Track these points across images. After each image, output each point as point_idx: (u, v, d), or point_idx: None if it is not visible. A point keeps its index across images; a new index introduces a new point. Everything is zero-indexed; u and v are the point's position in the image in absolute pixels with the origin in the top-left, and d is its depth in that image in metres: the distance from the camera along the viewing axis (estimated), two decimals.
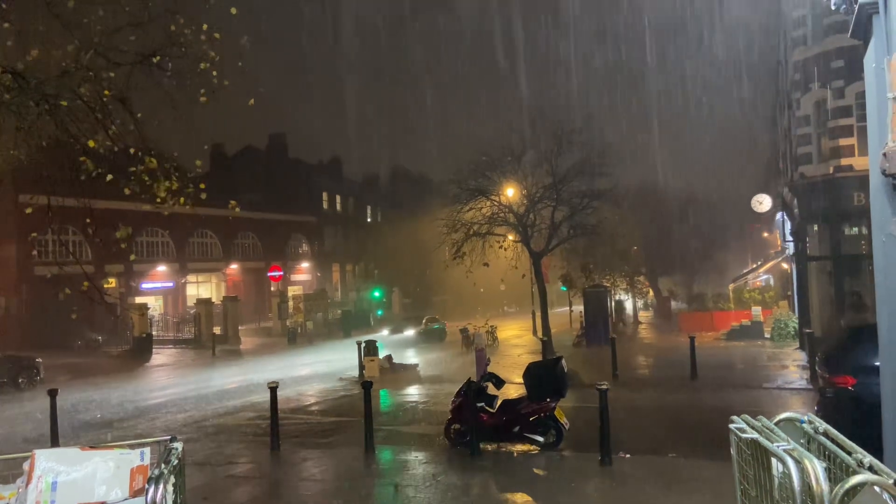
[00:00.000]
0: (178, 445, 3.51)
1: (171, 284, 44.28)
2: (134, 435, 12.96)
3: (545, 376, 10.52)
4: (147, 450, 3.42)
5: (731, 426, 3.38)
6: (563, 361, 10.68)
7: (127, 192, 7.51)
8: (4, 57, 7.27)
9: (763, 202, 29.03)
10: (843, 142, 18.73)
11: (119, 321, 32.70)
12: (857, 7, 4.82)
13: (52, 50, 7.38)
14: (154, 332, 33.86)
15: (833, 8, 5.54)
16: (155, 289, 43.27)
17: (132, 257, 36.50)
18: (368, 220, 65.62)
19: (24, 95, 7.26)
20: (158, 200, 7.77)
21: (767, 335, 27.09)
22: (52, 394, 12.10)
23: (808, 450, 3.11)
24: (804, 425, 3.34)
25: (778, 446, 2.92)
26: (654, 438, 11.33)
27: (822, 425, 3.27)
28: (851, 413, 8.87)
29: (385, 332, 40.09)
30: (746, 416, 3.38)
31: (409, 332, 38.60)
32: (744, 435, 3.22)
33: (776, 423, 3.34)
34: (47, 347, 27.50)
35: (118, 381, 22.77)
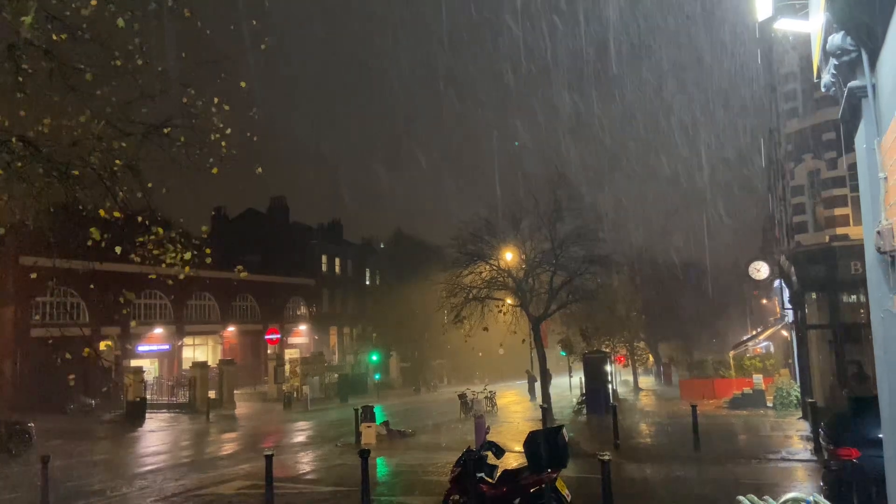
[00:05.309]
0: None
1: (167, 347, 43.97)
2: None
3: (546, 446, 10.34)
4: None
5: None
6: (565, 430, 10.54)
7: (137, 260, 7.58)
8: (16, 125, 7.44)
9: (760, 269, 29.11)
10: (838, 211, 18.96)
11: (113, 385, 32.35)
12: (846, 90, 5.01)
13: (64, 119, 7.56)
14: (148, 396, 33.40)
15: (823, 90, 5.75)
16: (151, 351, 42.95)
17: (133, 323, 36.41)
18: (367, 283, 65.67)
19: (34, 163, 7.40)
20: (164, 266, 7.84)
21: (770, 404, 26.76)
22: (45, 461, 11.90)
23: None
24: None
25: None
26: None
27: None
28: (856, 486, 8.76)
29: None
30: (752, 496, 3.36)
31: None
32: None
33: None
34: (40, 411, 27.08)
35: (111, 447, 22.39)
